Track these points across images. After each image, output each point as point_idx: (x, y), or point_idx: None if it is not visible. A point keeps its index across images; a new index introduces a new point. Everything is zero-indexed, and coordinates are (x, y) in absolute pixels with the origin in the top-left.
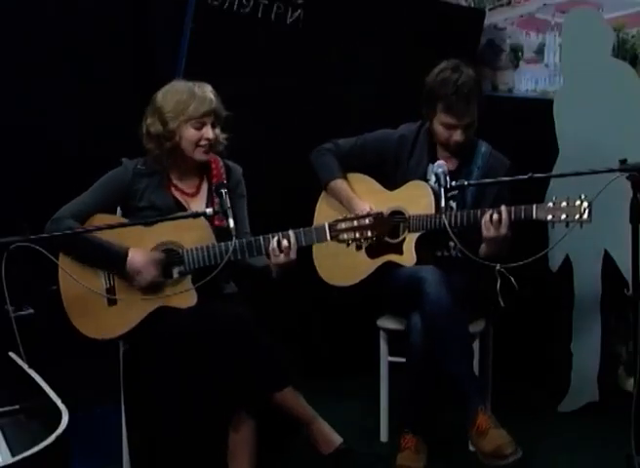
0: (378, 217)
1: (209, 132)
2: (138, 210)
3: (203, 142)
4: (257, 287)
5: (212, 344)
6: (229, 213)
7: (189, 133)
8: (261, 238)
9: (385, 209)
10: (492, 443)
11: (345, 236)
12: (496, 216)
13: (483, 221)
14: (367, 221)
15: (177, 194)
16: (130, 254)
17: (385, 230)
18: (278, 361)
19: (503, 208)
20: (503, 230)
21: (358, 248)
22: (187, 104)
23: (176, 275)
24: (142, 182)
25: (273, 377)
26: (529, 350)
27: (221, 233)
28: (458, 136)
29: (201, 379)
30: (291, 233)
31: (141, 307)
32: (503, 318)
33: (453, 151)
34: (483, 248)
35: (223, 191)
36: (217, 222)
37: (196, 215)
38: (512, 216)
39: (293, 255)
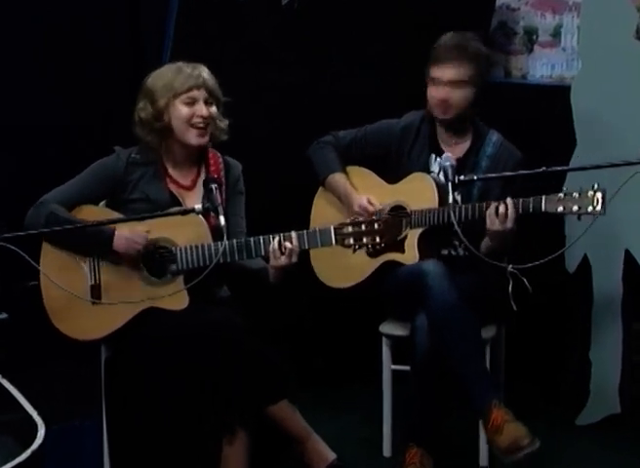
0: (387, 222)
1: (202, 108)
2: (128, 202)
3: (196, 120)
4: (250, 290)
5: (203, 351)
6: (220, 210)
7: (180, 110)
8: (261, 238)
9: (386, 203)
10: (508, 437)
11: (352, 241)
12: (502, 209)
13: (488, 214)
14: (375, 226)
15: (172, 187)
16: (117, 231)
17: (395, 235)
18: (274, 372)
19: (509, 200)
20: (509, 224)
21: (358, 248)
22: (175, 79)
23: (167, 274)
24: (136, 173)
25: (268, 389)
26: (544, 358)
27: (219, 232)
28: (440, 92)
29: (191, 390)
30: (293, 234)
31: (128, 307)
32: (516, 323)
33: (449, 126)
34: (485, 242)
35: (214, 186)
36: (213, 221)
37: (184, 212)
38: (520, 209)
39: (295, 258)
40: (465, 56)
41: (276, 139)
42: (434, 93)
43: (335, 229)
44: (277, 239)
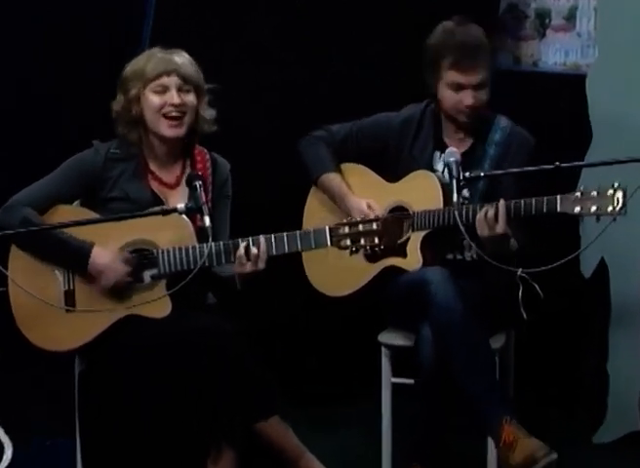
0: (386, 222)
1: (173, 96)
2: (106, 200)
3: (167, 109)
4: (237, 297)
5: (187, 362)
6: (205, 209)
7: (151, 98)
8: (231, 243)
9: (385, 205)
10: (522, 452)
11: (348, 242)
12: (491, 213)
13: (477, 218)
14: (374, 226)
15: (154, 184)
16: (95, 251)
17: (396, 237)
18: (264, 385)
19: (501, 202)
20: (499, 229)
21: (355, 251)
22: (144, 66)
23: (147, 279)
24: (116, 169)
25: (258, 404)
26: (557, 370)
27: (204, 234)
28: (468, 98)
29: (173, 404)
30: (262, 239)
31: (105, 315)
32: (527, 332)
33: (464, 125)
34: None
35: (198, 184)
36: (198, 221)
37: (166, 212)
38: (512, 212)
39: (261, 265)
40: (486, 55)
41: (276, 139)
42: (456, 99)
43: (330, 229)
44: (244, 244)
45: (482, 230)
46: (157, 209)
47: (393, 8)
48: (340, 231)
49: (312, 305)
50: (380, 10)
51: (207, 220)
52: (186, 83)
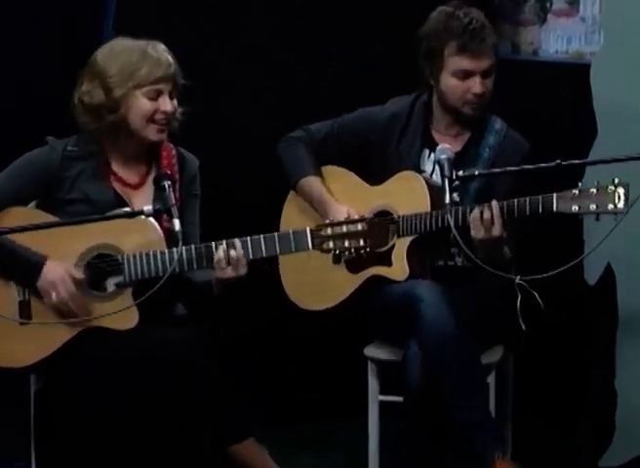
0: (372, 223)
1: (166, 103)
2: (64, 202)
3: (159, 116)
4: (211, 309)
5: (154, 379)
6: (174, 212)
7: (141, 103)
8: (203, 247)
9: (369, 209)
10: None
11: (331, 244)
12: (487, 214)
13: (472, 219)
14: (359, 227)
15: (117, 185)
16: (47, 266)
17: (383, 239)
18: (237, 404)
19: (494, 203)
20: (496, 232)
21: (337, 260)
22: (138, 67)
23: (111, 288)
24: (74, 168)
25: (231, 426)
26: (559, 387)
27: (173, 238)
28: (477, 85)
29: (139, 425)
30: (237, 242)
31: (65, 328)
32: (526, 346)
33: (466, 119)
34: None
35: (167, 184)
36: (166, 224)
37: (131, 215)
38: (505, 213)
39: (242, 270)
40: (492, 38)
41: (276, 139)
42: (464, 87)
43: (312, 232)
44: (222, 247)
45: (477, 232)
46: (121, 211)
47: (393, 8)
48: (323, 233)
49: (294, 320)
50: (380, 10)
51: (177, 223)
52: (175, 88)
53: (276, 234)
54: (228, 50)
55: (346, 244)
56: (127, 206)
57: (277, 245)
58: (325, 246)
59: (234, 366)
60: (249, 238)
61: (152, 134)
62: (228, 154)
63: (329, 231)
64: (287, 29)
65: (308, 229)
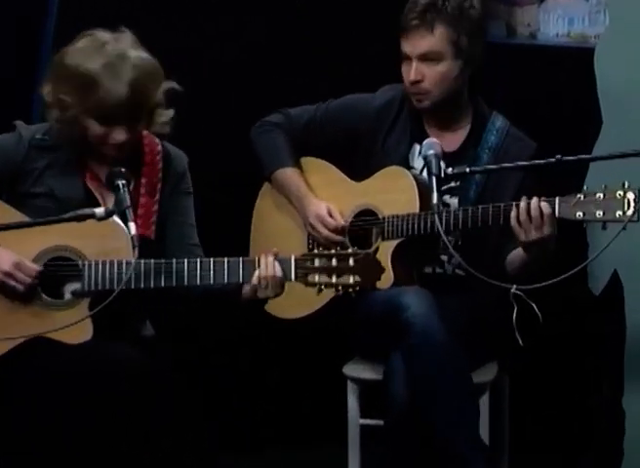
0: (367, 259)
1: (118, 134)
2: (26, 196)
3: (111, 141)
4: (180, 328)
5: (110, 401)
6: (129, 214)
7: (93, 127)
8: (212, 261)
9: (350, 208)
10: None
11: (317, 278)
12: (534, 212)
13: (513, 221)
14: (350, 263)
15: (90, 182)
16: None
17: (374, 276)
18: (201, 434)
19: (535, 200)
20: (547, 230)
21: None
22: (90, 90)
23: (68, 296)
24: (43, 159)
25: (193, 459)
26: (561, 408)
27: (149, 245)
28: (410, 71)
29: (92, 453)
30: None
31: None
32: (524, 363)
33: (426, 112)
34: (518, 260)
35: (120, 183)
36: (141, 230)
37: (80, 218)
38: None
39: (279, 289)
40: (441, 17)
41: (217, 123)
42: (406, 73)
43: (296, 260)
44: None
45: (527, 234)
46: (71, 214)
47: (393, 8)
48: (309, 264)
49: (267, 334)
50: (380, 10)
51: (132, 228)
52: (138, 110)
53: (241, 259)
54: (228, 50)
55: (334, 280)
56: (98, 205)
57: (241, 273)
58: (310, 279)
59: (198, 389)
60: (212, 259)
61: (110, 151)
62: (228, 154)
63: (317, 262)
64: (287, 29)
65: (293, 258)
